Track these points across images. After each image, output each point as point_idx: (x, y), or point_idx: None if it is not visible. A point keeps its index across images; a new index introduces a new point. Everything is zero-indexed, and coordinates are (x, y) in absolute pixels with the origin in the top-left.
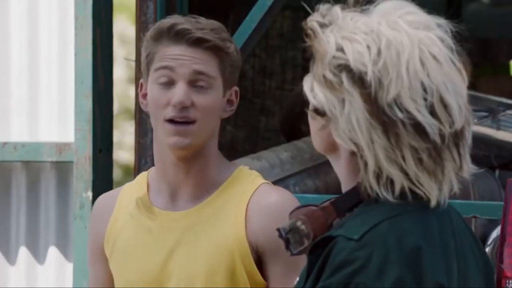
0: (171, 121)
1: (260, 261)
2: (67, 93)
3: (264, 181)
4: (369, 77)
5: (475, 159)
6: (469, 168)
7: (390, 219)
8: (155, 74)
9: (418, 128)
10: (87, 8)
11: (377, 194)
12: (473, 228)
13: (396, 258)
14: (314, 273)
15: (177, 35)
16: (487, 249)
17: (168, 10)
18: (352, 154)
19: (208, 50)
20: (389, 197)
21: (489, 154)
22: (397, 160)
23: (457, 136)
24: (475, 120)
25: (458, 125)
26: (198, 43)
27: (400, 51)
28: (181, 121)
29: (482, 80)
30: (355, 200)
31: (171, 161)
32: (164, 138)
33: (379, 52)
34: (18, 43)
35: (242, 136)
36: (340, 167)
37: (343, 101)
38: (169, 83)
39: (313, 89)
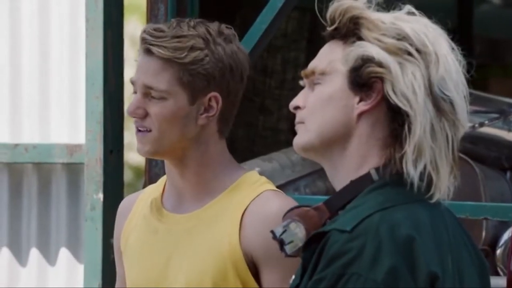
0: (136, 127)
1: (256, 269)
2: (78, 95)
3: (270, 187)
4: (429, 50)
5: (486, 161)
6: (445, 188)
7: (381, 211)
8: None
9: (456, 114)
10: (98, 9)
11: (398, 171)
12: (484, 230)
13: (389, 247)
14: (310, 269)
15: (140, 42)
16: (498, 251)
17: (178, 11)
18: (373, 128)
19: (160, 60)
20: (411, 173)
21: (500, 156)
22: (438, 137)
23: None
24: (486, 122)
25: (463, 132)
26: (150, 53)
27: (443, 46)
28: (141, 129)
29: (492, 81)
30: (348, 198)
31: (169, 165)
32: None
33: (427, 37)
34: (29, 44)
35: (241, 134)
36: (344, 157)
37: (400, 64)
38: (135, 92)
39: (370, 48)
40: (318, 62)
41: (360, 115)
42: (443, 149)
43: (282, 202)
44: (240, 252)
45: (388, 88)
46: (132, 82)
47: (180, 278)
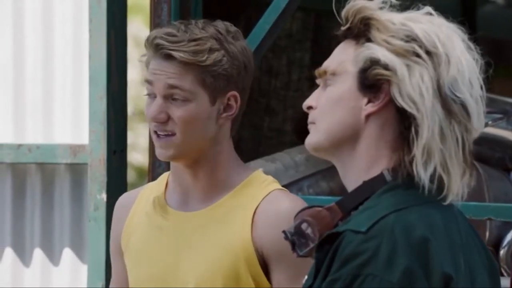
0: (155, 132)
1: (266, 265)
2: (82, 95)
3: (278, 187)
4: (440, 51)
5: (490, 161)
6: (461, 191)
7: (396, 212)
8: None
9: (468, 116)
10: (102, 10)
11: (408, 173)
12: (487, 230)
13: (404, 248)
14: (323, 269)
15: (154, 49)
16: (501, 251)
17: (182, 12)
18: (382, 130)
19: (181, 64)
20: (422, 176)
21: (504, 156)
22: (447, 140)
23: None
24: (490, 122)
25: (476, 134)
26: (169, 58)
27: (457, 47)
28: (163, 134)
29: (496, 82)
30: (360, 198)
31: (179, 165)
32: None
33: (439, 38)
34: (33, 45)
35: (246, 135)
36: (354, 158)
37: (408, 66)
38: (153, 96)
39: (377, 50)
40: (330, 62)
41: (368, 116)
42: (453, 152)
43: (292, 201)
44: (252, 248)
45: (394, 91)
46: (150, 84)
47: (191, 274)
